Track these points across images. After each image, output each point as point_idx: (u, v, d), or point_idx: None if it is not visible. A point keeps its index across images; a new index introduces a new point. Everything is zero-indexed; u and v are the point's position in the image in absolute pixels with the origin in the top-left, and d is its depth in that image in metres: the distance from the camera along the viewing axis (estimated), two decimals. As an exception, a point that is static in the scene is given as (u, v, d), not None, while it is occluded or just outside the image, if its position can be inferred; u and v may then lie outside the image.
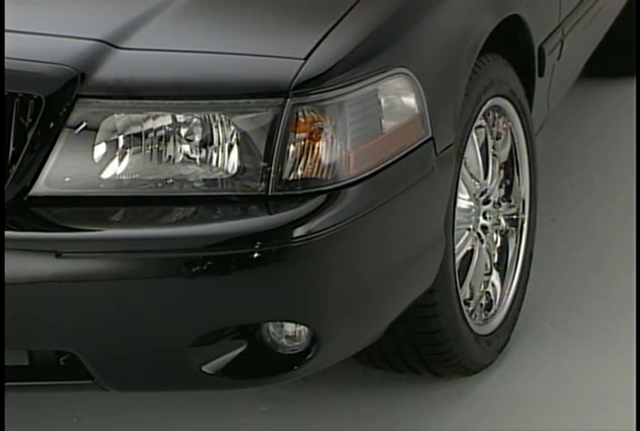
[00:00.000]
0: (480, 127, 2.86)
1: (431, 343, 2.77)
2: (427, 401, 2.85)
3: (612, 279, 3.31)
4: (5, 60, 2.37)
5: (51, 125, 2.34)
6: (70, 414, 2.84)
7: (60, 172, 2.35)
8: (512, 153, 3.02)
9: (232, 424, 2.79)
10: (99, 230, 2.34)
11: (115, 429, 2.81)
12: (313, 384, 2.83)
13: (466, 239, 2.86)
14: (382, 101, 2.47)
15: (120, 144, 2.37)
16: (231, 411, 2.82)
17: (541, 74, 3.16)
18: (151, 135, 2.38)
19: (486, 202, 2.93)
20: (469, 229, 2.87)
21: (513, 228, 3.04)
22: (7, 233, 2.31)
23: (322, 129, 2.38)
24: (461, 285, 2.81)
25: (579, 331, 3.09)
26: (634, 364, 2.94)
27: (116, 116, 2.36)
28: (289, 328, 2.43)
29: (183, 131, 2.38)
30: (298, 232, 2.33)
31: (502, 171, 2.99)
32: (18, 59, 2.38)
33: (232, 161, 2.38)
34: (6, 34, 2.43)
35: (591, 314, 3.16)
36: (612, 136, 4.15)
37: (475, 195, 2.88)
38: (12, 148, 2.34)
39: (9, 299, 2.30)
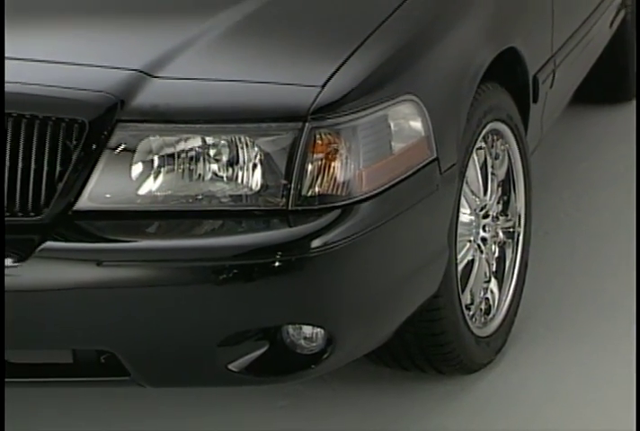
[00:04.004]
0: (480, 148, 2.86)
1: (436, 344, 2.76)
2: (432, 397, 2.84)
3: (599, 286, 3.30)
4: (52, 88, 2.38)
5: (94, 146, 2.35)
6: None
7: (101, 189, 2.36)
8: (509, 172, 3.01)
9: (253, 417, 2.78)
10: (136, 241, 2.35)
11: (140, 422, 2.79)
12: (328, 381, 2.83)
13: (468, 250, 2.86)
14: (392, 124, 2.47)
15: (155, 163, 2.38)
16: (252, 406, 2.81)
17: (535, 101, 3.16)
18: (183, 155, 2.38)
19: (486, 216, 2.92)
20: (470, 241, 2.87)
21: (510, 240, 3.04)
22: (55, 244, 2.32)
23: (337, 150, 2.39)
24: (463, 292, 2.80)
25: (570, 334, 3.08)
26: (622, 363, 2.94)
27: (151, 138, 2.37)
28: (307, 330, 2.43)
29: (212, 152, 2.38)
30: (316, 243, 2.33)
31: (499, 189, 2.99)
32: (64, 87, 2.39)
33: (256, 178, 2.38)
34: (54, 65, 2.44)
35: (580, 318, 3.15)
36: (598, 157, 4.14)
37: (475, 210, 2.88)
38: (58, 167, 2.34)
39: (56, 303, 2.31)
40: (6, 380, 2.41)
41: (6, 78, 2.41)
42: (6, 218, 2.35)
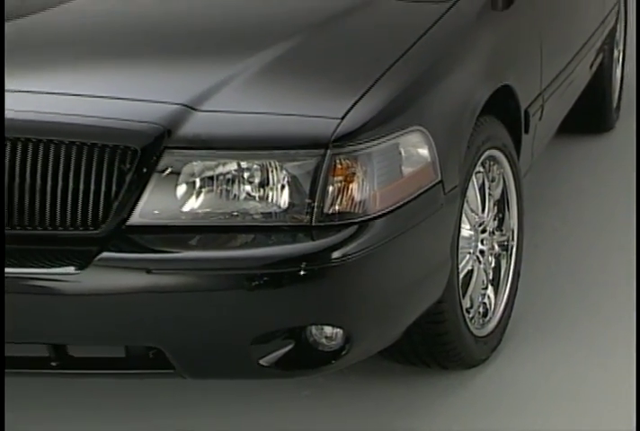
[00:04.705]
0: (479, 172, 2.85)
1: (440, 343, 2.76)
2: (435, 389, 2.83)
3: (584, 292, 3.29)
4: (110, 120, 2.39)
5: (144, 170, 2.35)
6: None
7: (151, 207, 2.36)
8: (504, 192, 3.01)
9: (279, 405, 2.77)
10: (180, 252, 2.35)
11: (181, 406, 2.77)
12: (346, 374, 2.81)
13: (468, 261, 2.84)
14: (402, 151, 2.47)
15: (197, 184, 2.38)
16: (280, 395, 2.80)
17: (527, 132, 3.15)
18: (221, 177, 2.38)
19: (483, 231, 2.91)
20: (470, 253, 2.86)
21: (505, 252, 3.03)
22: (110, 254, 2.32)
23: (354, 174, 2.38)
24: (463, 297, 2.79)
25: (556, 334, 3.07)
26: (601, 358, 2.93)
27: (194, 163, 2.37)
28: (328, 330, 2.43)
29: (246, 175, 2.38)
30: (336, 254, 2.33)
31: (495, 207, 2.98)
32: (120, 119, 2.40)
33: (284, 198, 2.38)
34: (111, 100, 2.45)
35: (566, 320, 3.13)
36: (581, 179, 4.13)
37: (474, 225, 2.87)
38: (114, 188, 2.34)
39: (111, 306, 2.31)
40: (69, 372, 2.41)
41: (66, 111, 2.41)
42: (68, 232, 2.35)
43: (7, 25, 2.83)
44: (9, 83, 2.47)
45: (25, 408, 2.76)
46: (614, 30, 4.46)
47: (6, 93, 2.44)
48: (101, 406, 2.78)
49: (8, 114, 2.37)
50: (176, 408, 2.77)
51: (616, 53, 4.58)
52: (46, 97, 2.45)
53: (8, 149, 2.34)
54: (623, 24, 4.71)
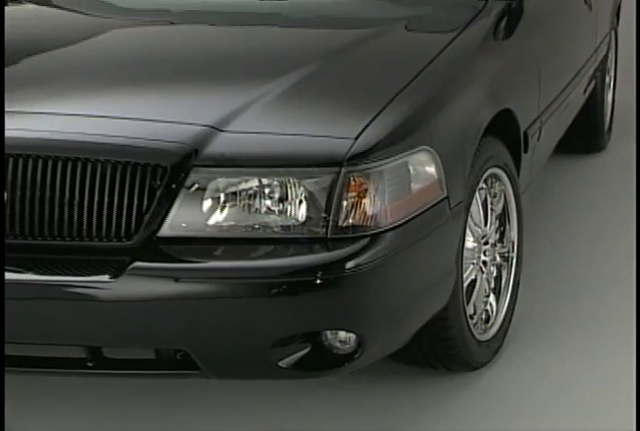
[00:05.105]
0: (482, 188, 2.85)
1: (445, 346, 2.75)
2: (441, 389, 2.82)
3: (579, 299, 3.27)
4: (143, 140, 2.40)
5: (173, 186, 2.35)
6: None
7: (179, 219, 2.36)
8: (505, 207, 3.00)
9: (299, 402, 2.77)
10: (206, 262, 2.35)
11: (205, 405, 2.75)
12: (358, 375, 2.80)
13: (471, 270, 2.83)
14: (411, 169, 2.47)
15: (222, 199, 2.38)
16: (298, 394, 2.79)
17: (526, 152, 3.14)
18: (243, 193, 2.38)
19: (486, 243, 2.91)
20: (473, 263, 2.85)
21: (505, 263, 3.02)
22: (142, 264, 2.32)
23: (367, 190, 2.38)
24: (467, 304, 2.78)
25: (553, 338, 3.05)
26: (596, 362, 2.92)
27: (219, 179, 2.37)
28: (342, 334, 2.42)
29: (267, 190, 2.38)
30: (350, 265, 2.33)
31: (497, 221, 2.97)
32: (152, 139, 2.40)
33: (301, 212, 2.38)
34: (144, 122, 2.46)
35: (562, 326, 3.12)
36: (576, 195, 4.11)
37: (477, 238, 2.86)
38: (145, 202, 2.35)
39: (142, 311, 2.31)
40: (104, 372, 2.41)
41: (103, 131, 2.42)
42: (103, 243, 2.35)
43: (43, 55, 2.85)
44: (56, 107, 2.50)
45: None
46: (606, 58, 4.46)
47: (53, 116, 2.47)
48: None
49: (53, 135, 2.39)
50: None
51: (607, 79, 4.59)
52: (88, 120, 2.46)
53: (50, 167, 2.34)
54: (614, 53, 4.72)
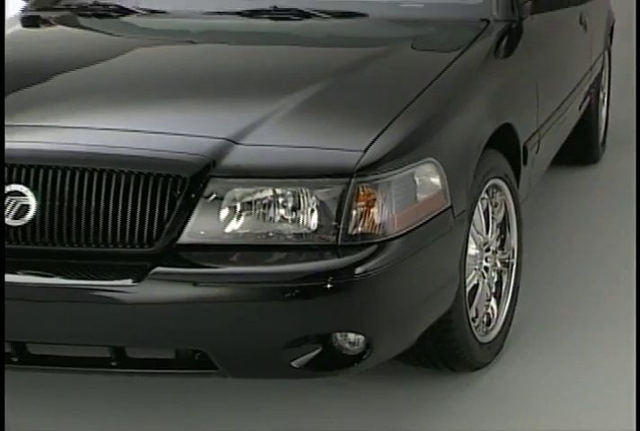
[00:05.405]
0: (483, 198, 2.83)
1: (449, 348, 2.73)
2: (445, 388, 2.80)
3: (576, 303, 3.25)
4: (164, 152, 2.39)
5: (192, 195, 2.34)
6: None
7: (197, 227, 2.35)
8: (505, 216, 2.98)
9: (309, 401, 2.75)
10: (222, 267, 2.34)
11: (210, 403, 2.71)
12: (366, 375, 2.78)
13: (474, 276, 2.82)
14: (417, 180, 2.46)
15: (238, 208, 2.37)
16: (308, 393, 2.77)
17: (525, 164, 3.13)
18: (258, 202, 2.37)
19: (487, 250, 2.89)
20: (476, 269, 2.83)
21: (506, 268, 3.00)
22: (163, 269, 2.31)
23: (375, 200, 2.37)
24: (470, 308, 2.77)
25: (551, 340, 3.03)
26: (591, 362, 2.89)
27: (235, 190, 2.36)
28: (351, 336, 2.40)
29: (280, 200, 2.37)
30: (359, 270, 2.31)
31: (498, 229, 2.95)
32: (172, 152, 2.39)
33: (313, 221, 2.36)
34: (165, 136, 2.45)
35: (560, 328, 3.10)
36: (572, 204, 4.10)
37: (479, 245, 2.84)
38: (166, 211, 2.33)
39: (163, 314, 2.30)
40: (127, 370, 2.39)
41: (127, 144, 2.41)
42: (126, 249, 2.34)
43: (72, 73, 2.85)
44: (83, 122, 2.51)
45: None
46: (600, 75, 4.47)
47: (80, 130, 2.47)
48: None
49: (82, 148, 2.38)
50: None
51: (601, 95, 4.59)
52: (114, 133, 2.46)
53: (78, 178, 2.34)
54: (607, 71, 4.72)
